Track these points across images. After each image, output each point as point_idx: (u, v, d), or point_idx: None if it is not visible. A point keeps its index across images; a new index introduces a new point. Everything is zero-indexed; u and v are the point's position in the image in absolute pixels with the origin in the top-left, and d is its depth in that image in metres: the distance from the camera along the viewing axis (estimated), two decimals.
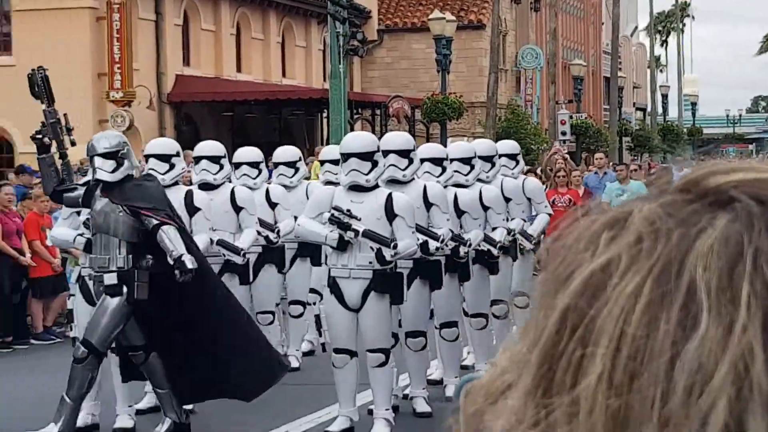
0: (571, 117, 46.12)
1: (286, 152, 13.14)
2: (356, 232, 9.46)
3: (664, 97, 72.97)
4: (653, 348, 0.72)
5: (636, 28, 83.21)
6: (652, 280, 0.73)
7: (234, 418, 10.42)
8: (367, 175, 9.62)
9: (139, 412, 10.36)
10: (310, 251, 12.07)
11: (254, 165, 12.25)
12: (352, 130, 28.33)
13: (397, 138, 10.82)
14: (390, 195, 9.65)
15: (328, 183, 12.04)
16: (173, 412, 9.72)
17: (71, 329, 10.02)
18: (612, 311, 0.73)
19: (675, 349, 0.71)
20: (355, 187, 9.63)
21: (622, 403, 0.71)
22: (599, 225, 0.77)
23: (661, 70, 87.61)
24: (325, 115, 33.65)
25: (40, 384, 11.71)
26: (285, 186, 12.56)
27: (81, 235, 9.90)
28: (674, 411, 0.70)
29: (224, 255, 11.08)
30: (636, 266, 0.74)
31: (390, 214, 9.58)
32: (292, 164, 12.87)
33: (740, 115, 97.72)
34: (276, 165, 12.96)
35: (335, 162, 12.81)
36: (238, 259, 11.10)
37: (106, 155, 9.49)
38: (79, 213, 10.07)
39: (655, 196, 0.77)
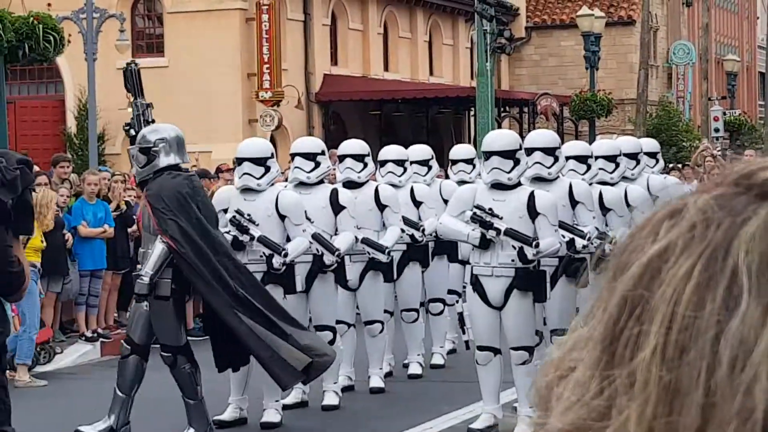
0: (724, 113, 45.28)
1: (417, 151, 13.13)
2: (498, 230, 9.45)
3: None
4: (700, 326, 0.79)
5: None
6: (701, 264, 0.80)
7: (379, 413, 10.51)
8: (509, 173, 9.60)
9: (285, 407, 10.51)
10: (447, 248, 12.10)
11: (399, 163, 12.31)
12: (499, 127, 28.26)
13: (543, 136, 10.82)
14: (532, 193, 9.62)
15: (461, 182, 12.08)
16: (114, 414, 9.53)
17: None
18: (665, 292, 0.80)
19: (719, 327, 0.78)
20: (498, 186, 9.62)
21: (673, 375, 0.79)
22: (661, 215, 0.85)
23: None
24: (472, 113, 33.61)
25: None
26: None
27: (227, 233, 10.06)
28: (720, 383, 0.77)
29: (369, 253, 11.17)
30: (688, 251, 0.81)
31: (532, 212, 9.55)
32: (424, 162, 12.87)
33: None
34: (409, 164, 12.93)
35: (467, 161, 12.91)
36: (382, 257, 11.18)
37: (140, 150, 9.54)
38: (225, 211, 10.24)
39: (710, 189, 0.84)
